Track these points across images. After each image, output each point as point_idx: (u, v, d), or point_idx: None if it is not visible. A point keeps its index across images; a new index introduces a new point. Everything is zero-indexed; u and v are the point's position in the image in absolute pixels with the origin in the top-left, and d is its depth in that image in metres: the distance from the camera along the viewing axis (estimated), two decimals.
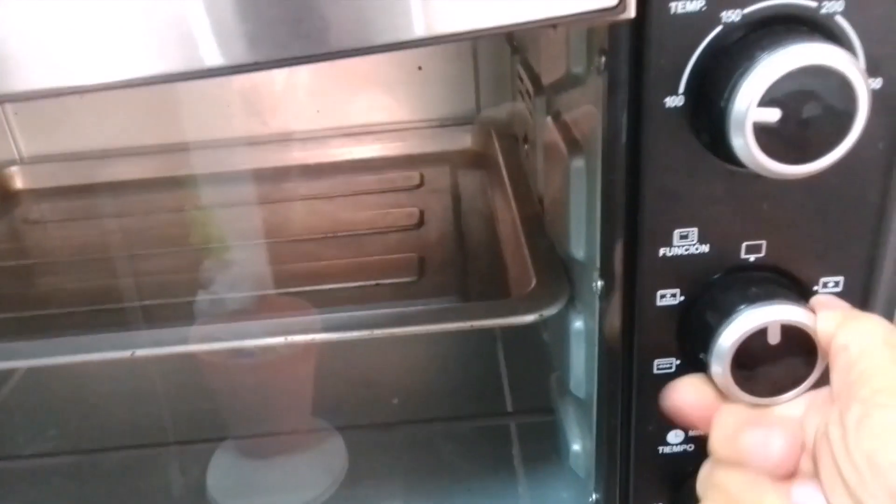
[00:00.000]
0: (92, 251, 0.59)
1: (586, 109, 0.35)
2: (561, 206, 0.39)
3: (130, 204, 0.68)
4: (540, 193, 0.51)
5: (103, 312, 0.51)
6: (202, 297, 0.50)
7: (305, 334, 0.40)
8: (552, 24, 0.26)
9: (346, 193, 0.64)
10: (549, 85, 0.45)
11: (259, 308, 0.48)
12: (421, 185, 0.65)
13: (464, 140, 0.72)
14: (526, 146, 0.57)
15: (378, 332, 0.40)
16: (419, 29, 0.25)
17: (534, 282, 0.42)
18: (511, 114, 0.68)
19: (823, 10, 0.28)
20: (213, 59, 0.24)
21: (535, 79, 0.51)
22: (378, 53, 0.25)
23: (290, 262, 0.54)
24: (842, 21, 0.28)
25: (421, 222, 0.58)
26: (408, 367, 0.55)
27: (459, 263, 0.51)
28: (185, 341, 0.41)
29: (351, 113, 0.74)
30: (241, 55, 0.24)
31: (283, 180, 0.70)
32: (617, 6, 0.27)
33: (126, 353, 0.40)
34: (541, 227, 0.47)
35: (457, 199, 0.62)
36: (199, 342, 0.41)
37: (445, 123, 0.74)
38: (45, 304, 0.52)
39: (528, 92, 0.52)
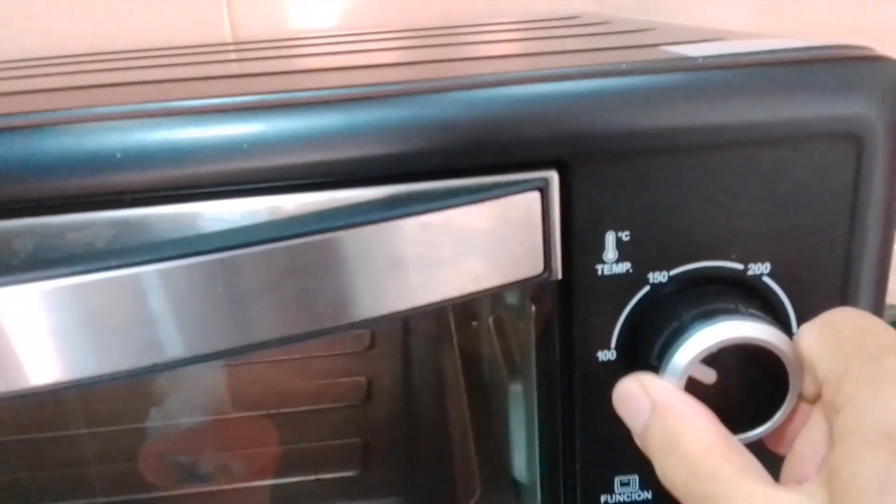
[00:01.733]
0: (31, 428, 0.56)
1: (522, 341, 0.34)
2: (502, 421, 0.38)
3: None
4: (487, 380, 0.49)
5: None
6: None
7: None
8: (483, 294, 0.26)
9: (293, 356, 0.62)
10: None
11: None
12: (371, 346, 0.64)
13: None
14: (475, 323, 0.56)
15: None
16: (366, 311, 0.24)
17: (478, 491, 0.40)
18: None
19: (750, 272, 0.28)
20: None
21: None
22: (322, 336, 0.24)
23: (228, 447, 0.51)
24: (770, 282, 0.28)
25: (368, 396, 0.56)
26: None
27: (405, 453, 0.49)
28: None
29: None
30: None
31: None
32: (542, 273, 0.27)
33: None
34: (488, 420, 0.46)
35: (407, 366, 0.60)
36: None
37: None
38: None
39: None
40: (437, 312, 0.65)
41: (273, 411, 0.54)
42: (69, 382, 0.22)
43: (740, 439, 0.26)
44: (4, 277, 0.21)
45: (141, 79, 0.33)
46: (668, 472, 0.24)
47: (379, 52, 0.40)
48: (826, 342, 0.24)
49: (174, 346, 0.22)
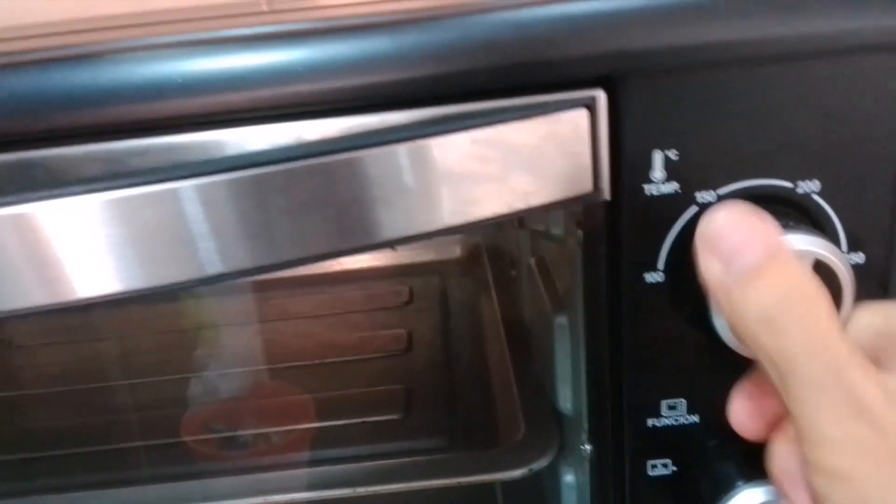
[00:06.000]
0: (79, 380, 0.58)
1: (567, 269, 0.34)
2: (546, 356, 0.38)
3: (115, 323, 0.67)
4: (529, 325, 0.50)
5: (90, 454, 0.49)
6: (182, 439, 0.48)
7: (284, 493, 0.39)
8: (532, 213, 0.26)
9: (333, 312, 0.64)
10: (532, 228, 0.45)
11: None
12: (410, 301, 0.65)
13: (453, 249, 0.72)
14: (513, 272, 0.56)
15: (361, 491, 0.38)
16: (418, 226, 0.25)
17: (523, 428, 0.41)
18: (499, 228, 0.68)
19: (799, 190, 0.28)
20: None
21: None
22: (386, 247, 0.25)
23: (274, 395, 0.53)
24: (819, 200, 0.28)
25: (409, 347, 0.57)
26: None
27: (447, 397, 0.50)
28: (158, 499, 0.40)
29: None
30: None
31: (270, 293, 0.69)
32: (591, 192, 0.27)
33: None
34: (530, 363, 0.46)
35: (446, 318, 0.61)
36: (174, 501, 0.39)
37: None
38: (31, 446, 0.51)
39: (512, 221, 0.52)
40: (475, 273, 0.66)
41: (317, 361, 0.56)
42: (127, 293, 0.23)
43: None
44: (60, 189, 0.22)
45: (189, 17, 0.34)
46: (782, 326, 0.22)
47: None
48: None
49: (235, 255, 0.23)
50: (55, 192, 0.24)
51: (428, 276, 0.70)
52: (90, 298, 0.25)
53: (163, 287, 0.25)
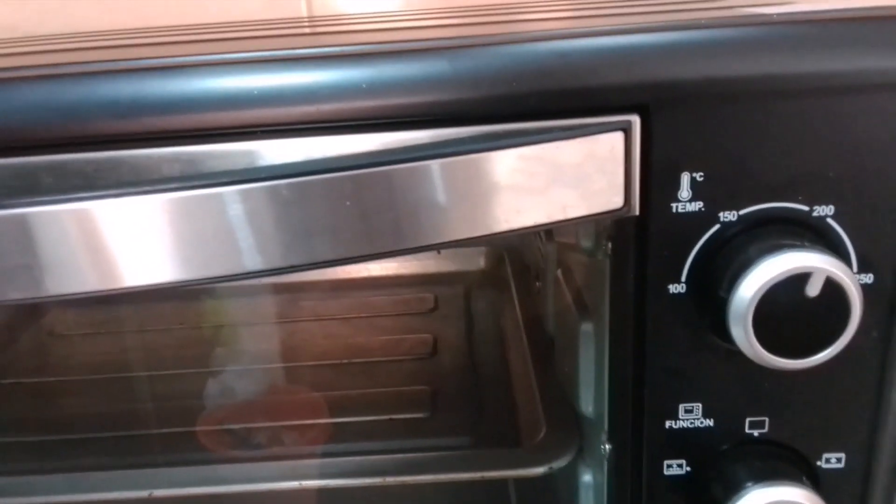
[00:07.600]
0: (114, 369, 0.61)
1: (595, 280, 0.37)
2: (570, 361, 0.41)
3: (153, 317, 0.70)
4: (551, 333, 0.52)
5: (123, 438, 0.52)
6: (213, 428, 0.51)
7: (319, 479, 0.41)
8: (569, 224, 0.29)
9: (361, 315, 0.66)
10: (559, 241, 0.47)
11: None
12: (435, 308, 0.67)
13: (477, 261, 0.74)
14: (538, 283, 0.59)
15: (390, 480, 0.41)
16: (468, 231, 0.27)
17: (544, 429, 0.43)
18: (523, 242, 0.71)
19: (815, 214, 0.30)
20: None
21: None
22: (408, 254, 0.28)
23: (305, 391, 0.56)
24: (832, 223, 0.30)
25: (434, 351, 0.59)
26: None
27: (471, 399, 0.53)
28: (201, 480, 0.42)
29: None
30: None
31: (299, 295, 0.72)
32: (622, 207, 0.29)
33: (143, 494, 0.41)
34: (551, 369, 0.49)
35: (470, 325, 0.64)
36: (216, 483, 0.42)
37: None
38: (65, 428, 0.53)
39: (539, 235, 0.54)
40: (499, 284, 0.69)
41: (346, 361, 0.58)
42: (171, 283, 0.26)
43: (806, 363, 0.29)
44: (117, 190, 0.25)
45: (258, 35, 0.37)
46: None
47: (460, 23, 0.43)
48: None
49: (303, 250, 0.26)
50: (113, 191, 0.27)
51: (452, 285, 0.73)
52: (139, 287, 0.27)
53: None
